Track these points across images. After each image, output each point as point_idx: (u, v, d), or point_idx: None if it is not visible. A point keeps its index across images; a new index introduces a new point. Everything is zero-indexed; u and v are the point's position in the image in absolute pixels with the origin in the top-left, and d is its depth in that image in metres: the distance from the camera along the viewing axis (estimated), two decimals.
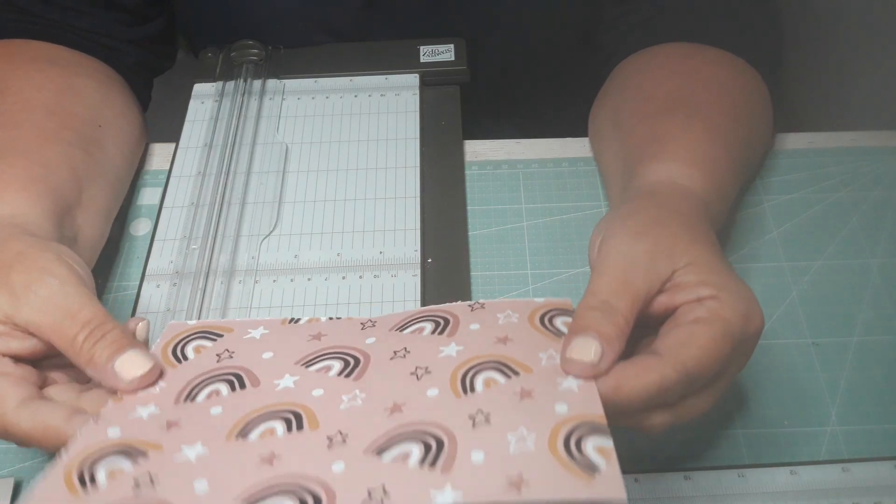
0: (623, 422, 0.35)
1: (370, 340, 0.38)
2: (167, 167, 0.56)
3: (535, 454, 0.30)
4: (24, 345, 0.37)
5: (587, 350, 0.33)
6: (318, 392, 0.35)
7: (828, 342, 0.49)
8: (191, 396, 0.35)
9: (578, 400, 0.32)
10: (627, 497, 0.42)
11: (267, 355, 0.37)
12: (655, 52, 0.55)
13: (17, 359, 0.37)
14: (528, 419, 0.31)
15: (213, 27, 0.64)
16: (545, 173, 0.58)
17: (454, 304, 0.39)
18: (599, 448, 0.30)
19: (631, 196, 0.43)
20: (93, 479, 0.31)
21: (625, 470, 0.42)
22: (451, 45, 0.62)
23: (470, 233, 0.54)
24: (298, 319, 0.40)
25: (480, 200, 0.56)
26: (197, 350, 0.38)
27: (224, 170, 0.55)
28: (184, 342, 0.39)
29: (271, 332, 0.39)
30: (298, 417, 0.33)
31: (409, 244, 0.51)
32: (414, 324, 0.38)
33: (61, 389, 0.38)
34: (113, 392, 0.36)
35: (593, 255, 0.39)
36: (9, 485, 0.43)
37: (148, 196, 0.57)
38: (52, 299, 0.37)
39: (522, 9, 0.62)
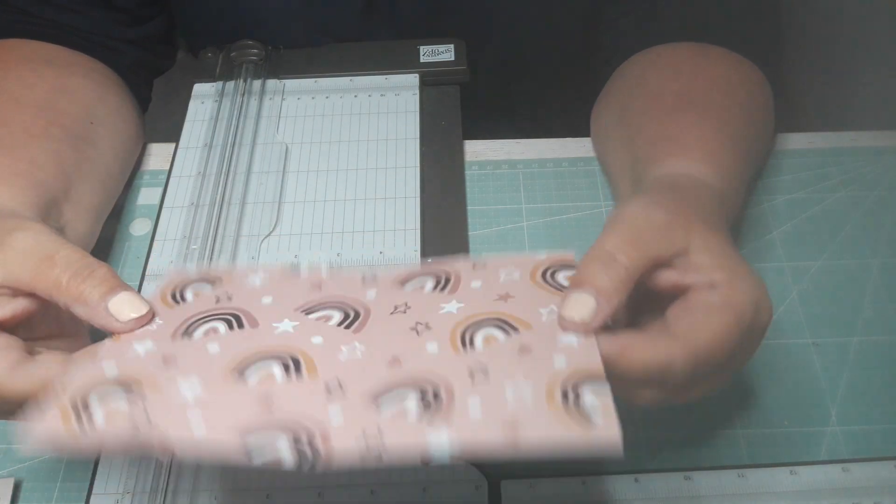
0: (614, 389, 0.33)
1: (371, 294, 0.37)
2: (167, 167, 0.56)
3: (532, 404, 0.29)
4: (5, 309, 0.36)
5: (582, 307, 0.33)
6: (317, 339, 0.35)
7: (828, 342, 0.49)
8: (188, 332, 0.35)
9: (577, 354, 0.32)
10: (626, 497, 0.42)
11: (266, 300, 0.37)
12: (660, 51, 0.55)
13: (2, 327, 0.37)
14: (526, 371, 0.31)
15: (213, 27, 0.64)
16: (545, 173, 0.58)
17: (457, 259, 0.39)
18: (597, 399, 0.29)
19: (648, 186, 0.43)
20: (89, 415, 0.30)
21: (625, 470, 0.43)
22: (451, 46, 0.62)
23: (470, 233, 0.54)
24: (299, 266, 0.40)
25: (480, 200, 0.56)
26: (196, 294, 0.38)
27: (224, 170, 0.55)
28: (183, 286, 0.39)
29: (271, 279, 0.39)
30: (297, 363, 0.33)
31: (409, 244, 0.51)
32: (415, 279, 0.38)
33: (47, 357, 0.37)
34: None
35: (613, 213, 0.38)
36: (9, 485, 0.43)
37: (148, 196, 0.57)
38: (26, 250, 0.36)
39: (522, 9, 0.62)
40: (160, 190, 0.55)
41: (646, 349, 0.33)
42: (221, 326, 0.35)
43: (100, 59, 0.57)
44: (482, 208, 0.56)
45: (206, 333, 0.35)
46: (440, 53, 0.61)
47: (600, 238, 0.35)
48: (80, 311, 0.36)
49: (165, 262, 0.51)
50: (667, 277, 0.36)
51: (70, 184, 0.48)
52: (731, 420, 0.45)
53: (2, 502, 0.42)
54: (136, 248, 0.54)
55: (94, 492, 0.42)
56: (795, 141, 0.60)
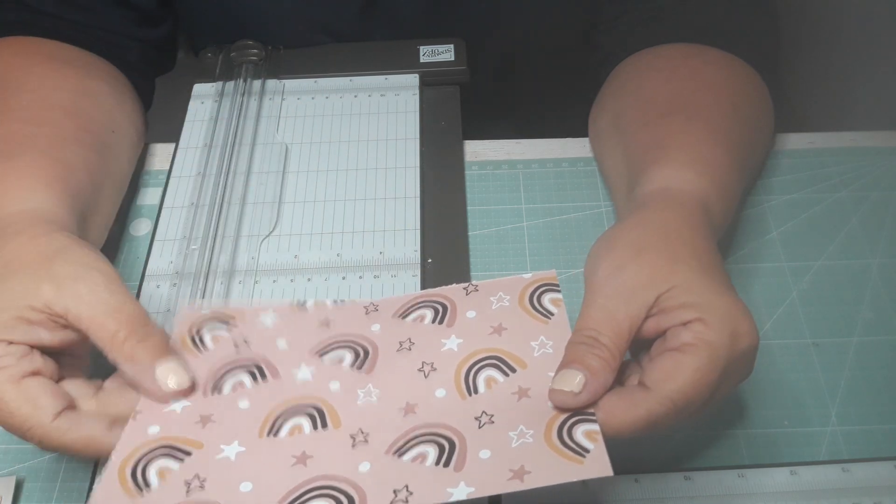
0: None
1: (375, 328, 0.40)
2: (167, 167, 0.56)
3: (533, 448, 0.33)
4: (53, 337, 0.37)
5: (570, 381, 0.35)
6: (334, 385, 0.38)
7: (828, 342, 0.49)
8: (217, 388, 0.38)
9: None
10: (626, 497, 0.42)
11: (281, 344, 0.40)
12: (655, 53, 0.55)
13: (42, 350, 0.37)
14: (526, 417, 0.35)
15: (213, 27, 0.64)
16: (545, 173, 0.58)
17: (450, 286, 0.42)
18: (587, 433, 0.34)
19: (630, 208, 0.44)
20: (146, 480, 0.34)
21: (625, 470, 0.43)
22: (451, 46, 0.62)
23: (470, 233, 0.54)
24: (305, 303, 0.42)
25: (480, 200, 0.56)
26: (214, 338, 0.40)
27: (224, 170, 0.55)
28: (200, 328, 0.40)
29: (280, 318, 0.41)
30: (321, 413, 0.37)
31: (409, 244, 0.51)
32: (415, 311, 0.40)
33: (76, 385, 0.38)
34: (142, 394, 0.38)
35: (586, 275, 0.40)
36: (10, 483, 0.43)
37: (148, 196, 0.57)
38: (96, 293, 0.37)
39: (522, 9, 0.62)
40: (160, 190, 0.55)
41: (627, 410, 0.35)
42: (247, 380, 0.38)
43: (111, 57, 0.57)
44: (482, 208, 0.56)
45: (234, 388, 0.38)
46: (440, 53, 0.61)
47: (580, 319, 0.37)
48: (127, 368, 0.37)
49: (165, 262, 0.51)
50: (648, 327, 0.38)
51: (96, 193, 0.48)
52: (731, 420, 0.46)
53: (4, 501, 0.42)
54: (136, 248, 0.54)
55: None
56: (795, 141, 0.60)
